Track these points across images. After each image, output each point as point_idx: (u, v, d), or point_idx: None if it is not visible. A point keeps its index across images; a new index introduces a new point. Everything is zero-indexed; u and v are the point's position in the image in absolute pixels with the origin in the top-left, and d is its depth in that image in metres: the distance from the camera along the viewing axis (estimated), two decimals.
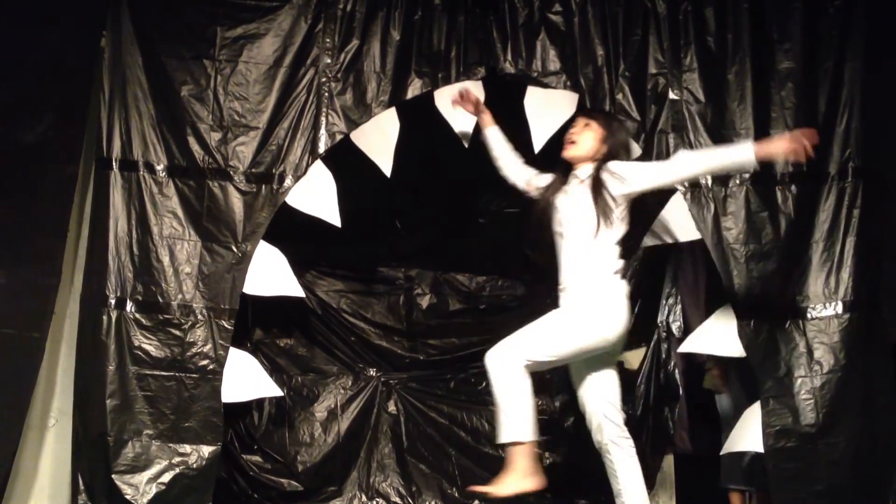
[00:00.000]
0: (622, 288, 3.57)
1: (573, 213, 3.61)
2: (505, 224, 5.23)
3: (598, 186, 3.57)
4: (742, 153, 3.49)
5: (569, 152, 3.71)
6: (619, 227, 3.59)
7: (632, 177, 3.56)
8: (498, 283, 5.27)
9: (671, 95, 4.22)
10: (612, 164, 3.62)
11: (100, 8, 4.24)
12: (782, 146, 3.46)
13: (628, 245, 3.73)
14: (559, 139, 4.31)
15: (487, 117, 4.03)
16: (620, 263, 3.60)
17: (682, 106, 4.22)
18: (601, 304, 3.52)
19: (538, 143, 4.33)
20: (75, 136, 4.20)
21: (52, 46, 4.21)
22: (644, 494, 3.57)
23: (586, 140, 3.70)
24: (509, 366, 3.46)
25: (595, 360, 3.61)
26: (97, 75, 4.22)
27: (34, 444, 4.36)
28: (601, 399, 3.63)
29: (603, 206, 3.53)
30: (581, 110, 3.90)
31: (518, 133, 4.37)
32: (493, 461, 4.91)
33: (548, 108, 4.34)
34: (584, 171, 3.67)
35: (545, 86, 4.28)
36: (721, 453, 4.36)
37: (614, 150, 3.69)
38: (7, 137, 4.15)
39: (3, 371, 3.99)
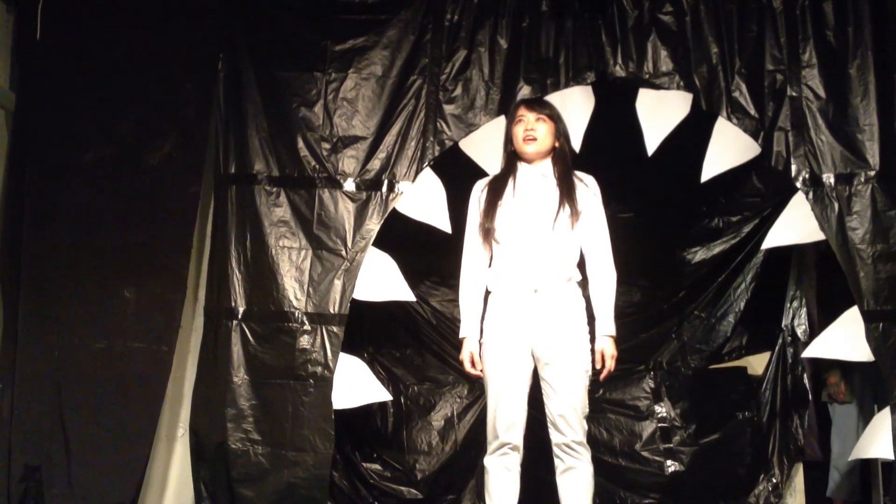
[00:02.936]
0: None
1: (542, 204, 3.58)
2: (619, 229, 5.14)
3: (570, 183, 3.60)
4: (602, 323, 3.61)
5: (532, 147, 3.64)
6: (577, 237, 3.62)
7: (594, 206, 3.64)
8: None
9: (790, 92, 4.10)
10: (588, 178, 3.68)
11: (216, 32, 4.38)
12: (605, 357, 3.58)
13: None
14: (672, 137, 4.26)
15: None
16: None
17: (802, 103, 4.09)
18: (584, 316, 3.59)
19: (652, 146, 4.26)
20: (197, 156, 4.34)
21: (172, 72, 4.36)
22: None
23: (545, 135, 3.66)
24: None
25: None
26: (215, 96, 4.35)
27: (164, 453, 4.51)
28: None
29: (573, 200, 3.58)
30: (525, 102, 3.78)
31: (629, 136, 4.32)
32: (612, 469, 4.86)
33: (661, 110, 4.26)
34: (545, 167, 3.67)
35: (657, 87, 4.19)
36: (848, 459, 4.22)
37: (568, 143, 3.73)
38: (134, 160, 4.31)
39: (134, 384, 4.15)
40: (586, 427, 3.55)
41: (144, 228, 4.27)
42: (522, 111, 3.70)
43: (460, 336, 3.68)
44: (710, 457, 4.90)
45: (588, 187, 3.66)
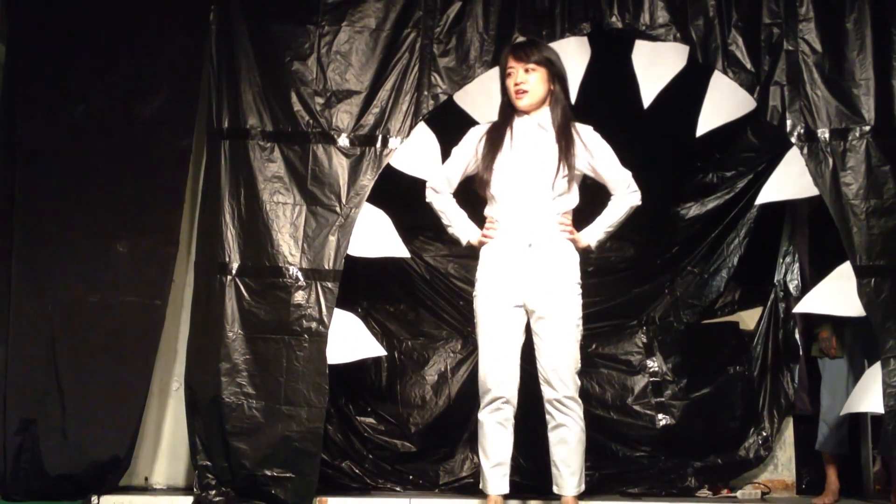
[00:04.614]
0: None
1: (540, 160, 3.56)
2: None
3: (569, 138, 3.58)
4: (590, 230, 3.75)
5: (525, 101, 3.60)
6: (574, 194, 3.63)
7: (598, 158, 3.64)
8: (606, 245, 5.18)
9: (786, 46, 4.07)
10: (586, 132, 3.64)
11: None
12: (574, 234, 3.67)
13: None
14: (668, 93, 4.23)
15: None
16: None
17: (798, 57, 4.07)
18: (577, 271, 3.59)
19: (647, 98, 4.24)
20: (188, 110, 4.33)
21: (164, 24, 4.34)
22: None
23: (537, 84, 3.60)
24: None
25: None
26: (207, 49, 4.31)
27: (159, 407, 4.55)
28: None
29: (570, 158, 3.56)
30: (513, 52, 3.69)
31: (625, 89, 4.30)
32: (603, 422, 4.90)
33: (657, 62, 4.23)
34: (543, 117, 3.64)
35: (654, 39, 4.17)
36: (840, 414, 4.25)
37: (563, 83, 3.67)
38: (125, 113, 4.30)
39: (127, 338, 4.17)
40: (579, 382, 3.58)
41: (136, 182, 4.27)
42: (511, 63, 3.65)
43: (466, 243, 3.74)
44: (701, 410, 4.93)
45: (587, 146, 3.63)
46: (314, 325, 4.07)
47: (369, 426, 4.90)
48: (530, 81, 3.60)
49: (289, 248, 4.13)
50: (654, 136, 4.96)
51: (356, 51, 4.22)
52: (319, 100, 4.21)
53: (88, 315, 4.16)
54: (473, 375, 4.95)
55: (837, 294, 4.02)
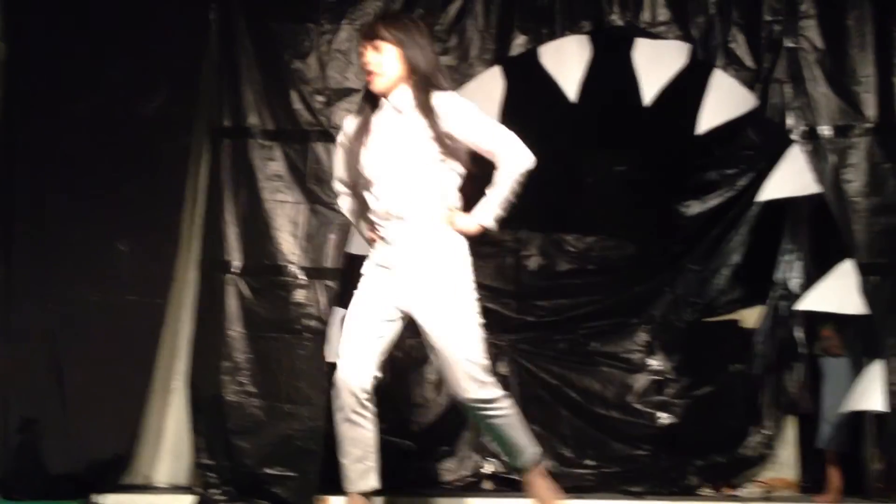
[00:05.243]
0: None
1: (401, 150, 3.13)
2: (613, 183, 5.15)
3: (430, 116, 3.11)
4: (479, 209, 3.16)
5: (378, 85, 3.16)
6: (453, 167, 3.18)
7: (459, 126, 3.12)
8: (607, 243, 5.21)
9: (787, 43, 4.07)
10: (443, 99, 3.14)
11: None
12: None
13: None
14: (669, 91, 4.23)
15: None
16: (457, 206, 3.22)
17: (799, 54, 4.07)
18: (464, 267, 3.17)
19: (648, 96, 4.23)
20: (189, 108, 4.33)
21: (164, 23, 4.32)
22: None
23: (388, 63, 3.14)
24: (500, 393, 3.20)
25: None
26: (207, 47, 4.31)
27: (160, 405, 4.54)
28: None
29: (438, 133, 3.09)
30: (363, 31, 3.34)
31: (626, 87, 4.29)
32: (605, 421, 4.90)
33: (658, 60, 4.23)
34: (400, 98, 3.18)
35: (655, 37, 4.17)
36: (840, 412, 4.26)
37: (425, 56, 3.18)
38: (126, 111, 4.29)
39: (128, 336, 4.17)
40: (492, 375, 3.21)
41: (137, 181, 4.26)
42: (361, 43, 3.27)
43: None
44: (702, 409, 4.94)
45: (444, 116, 3.13)
46: (314, 323, 4.08)
47: None
48: (379, 62, 3.16)
49: (289, 247, 4.13)
50: (654, 134, 4.96)
51: (356, 48, 4.21)
52: (319, 98, 4.21)
53: (89, 314, 4.16)
54: None
55: (839, 292, 4.02)
